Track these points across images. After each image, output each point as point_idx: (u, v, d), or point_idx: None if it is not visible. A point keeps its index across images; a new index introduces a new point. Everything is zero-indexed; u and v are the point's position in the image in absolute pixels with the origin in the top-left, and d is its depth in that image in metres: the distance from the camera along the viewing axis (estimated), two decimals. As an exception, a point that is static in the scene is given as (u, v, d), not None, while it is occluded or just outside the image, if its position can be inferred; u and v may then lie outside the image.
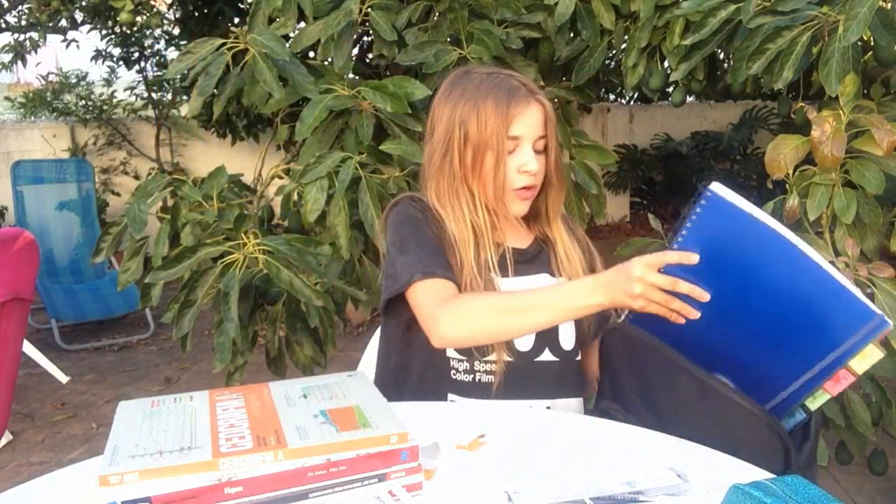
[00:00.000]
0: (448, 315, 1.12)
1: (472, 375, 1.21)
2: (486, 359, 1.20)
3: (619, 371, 1.15)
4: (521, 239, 1.31)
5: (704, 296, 1.01)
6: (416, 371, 1.26)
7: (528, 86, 1.24)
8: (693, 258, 1.00)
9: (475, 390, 1.20)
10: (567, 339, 1.26)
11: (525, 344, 1.23)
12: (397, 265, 1.20)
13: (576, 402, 1.27)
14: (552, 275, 1.29)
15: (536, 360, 1.23)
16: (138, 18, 4.47)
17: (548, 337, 1.24)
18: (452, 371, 1.22)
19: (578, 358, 1.28)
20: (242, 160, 5.69)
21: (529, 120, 1.22)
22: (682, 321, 1.04)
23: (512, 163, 1.22)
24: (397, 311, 1.22)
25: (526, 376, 1.22)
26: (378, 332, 1.40)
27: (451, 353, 1.22)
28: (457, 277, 1.19)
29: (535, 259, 1.30)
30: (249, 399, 0.94)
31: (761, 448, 1.02)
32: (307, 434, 0.83)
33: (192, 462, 0.77)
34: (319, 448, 0.81)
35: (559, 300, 1.11)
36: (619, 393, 1.15)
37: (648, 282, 1.02)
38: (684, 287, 1.01)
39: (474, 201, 1.25)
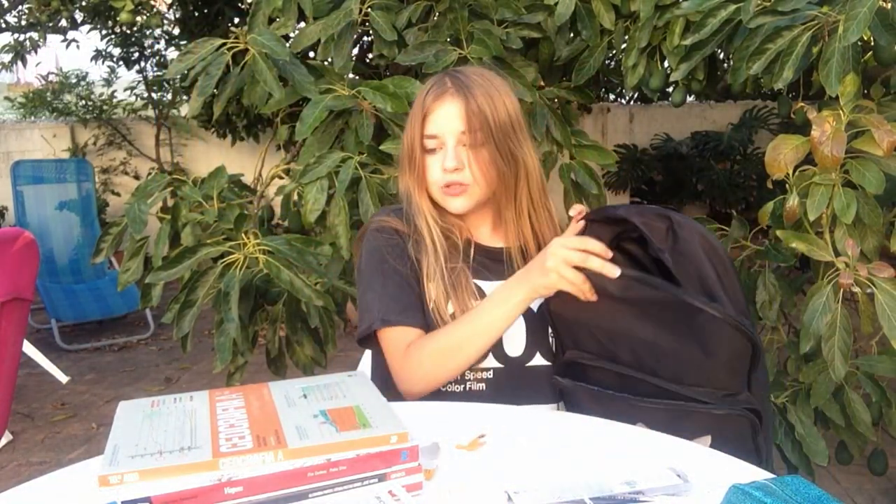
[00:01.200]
0: (405, 371, 1.17)
1: (462, 385, 1.21)
2: (477, 366, 1.20)
3: (575, 323, 1.15)
4: (492, 237, 1.31)
5: (615, 271, 1.05)
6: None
7: (456, 80, 1.22)
8: (615, 272, 1.05)
9: (467, 399, 1.19)
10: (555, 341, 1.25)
11: (515, 349, 1.22)
12: (365, 301, 1.23)
13: (551, 408, 1.26)
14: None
15: (528, 364, 1.22)
16: (138, 18, 4.48)
17: (538, 341, 1.23)
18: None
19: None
20: (242, 160, 5.69)
21: (444, 115, 1.21)
22: (594, 298, 1.09)
23: (435, 161, 1.23)
24: (367, 343, 1.26)
25: (518, 382, 1.21)
26: None
27: None
28: (427, 304, 1.20)
29: (516, 258, 1.28)
30: (249, 399, 0.94)
31: (733, 349, 1.04)
32: (307, 434, 0.83)
33: (192, 462, 0.77)
34: (319, 448, 0.81)
35: (493, 311, 1.14)
36: (582, 339, 1.15)
37: (561, 257, 1.07)
38: (595, 263, 1.05)
39: (423, 203, 1.26)
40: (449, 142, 1.21)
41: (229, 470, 0.78)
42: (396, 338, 1.19)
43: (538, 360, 1.23)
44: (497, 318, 1.14)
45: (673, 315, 1.06)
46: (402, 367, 1.18)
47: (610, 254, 1.07)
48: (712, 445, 1.02)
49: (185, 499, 0.76)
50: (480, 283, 1.25)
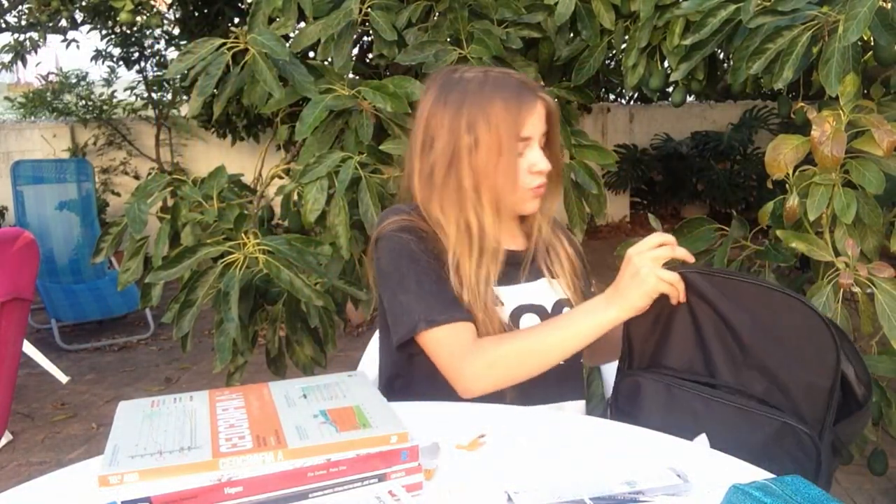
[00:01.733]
0: (472, 369, 1.11)
1: None
2: None
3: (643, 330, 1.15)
4: (515, 240, 1.29)
5: (689, 257, 1.10)
6: (418, 390, 1.23)
7: (528, 83, 1.21)
8: (689, 256, 1.09)
9: (499, 395, 1.17)
10: None
11: None
12: (399, 305, 1.16)
13: (581, 405, 1.27)
14: (549, 276, 1.28)
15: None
16: (138, 18, 4.47)
17: None
18: None
19: (581, 359, 1.29)
20: (242, 160, 5.69)
21: (537, 119, 1.19)
22: (684, 298, 1.09)
23: (522, 164, 1.19)
24: (406, 347, 1.19)
25: (548, 377, 1.19)
26: (377, 333, 1.39)
27: None
28: (461, 298, 1.17)
29: (532, 261, 1.28)
30: (249, 399, 0.94)
31: (815, 339, 1.03)
32: (307, 434, 0.83)
33: (192, 462, 0.77)
34: (319, 448, 0.81)
35: (581, 328, 1.10)
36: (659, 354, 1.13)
37: (651, 258, 1.07)
38: (681, 251, 1.09)
39: (482, 210, 1.19)
40: (535, 143, 1.20)
41: (229, 470, 0.78)
42: (448, 336, 1.14)
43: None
44: (584, 332, 1.10)
45: (751, 315, 1.06)
46: (467, 364, 1.12)
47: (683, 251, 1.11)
48: (769, 468, 0.98)
49: (185, 499, 0.76)
50: (496, 288, 1.22)
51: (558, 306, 1.26)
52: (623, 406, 1.15)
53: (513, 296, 1.23)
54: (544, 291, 1.27)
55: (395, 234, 1.20)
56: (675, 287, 1.07)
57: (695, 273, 1.09)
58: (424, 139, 1.22)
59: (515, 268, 1.25)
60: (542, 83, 2.13)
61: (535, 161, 1.19)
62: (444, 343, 1.14)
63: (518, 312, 1.23)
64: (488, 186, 1.19)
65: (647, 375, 1.12)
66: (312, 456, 0.81)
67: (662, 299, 1.09)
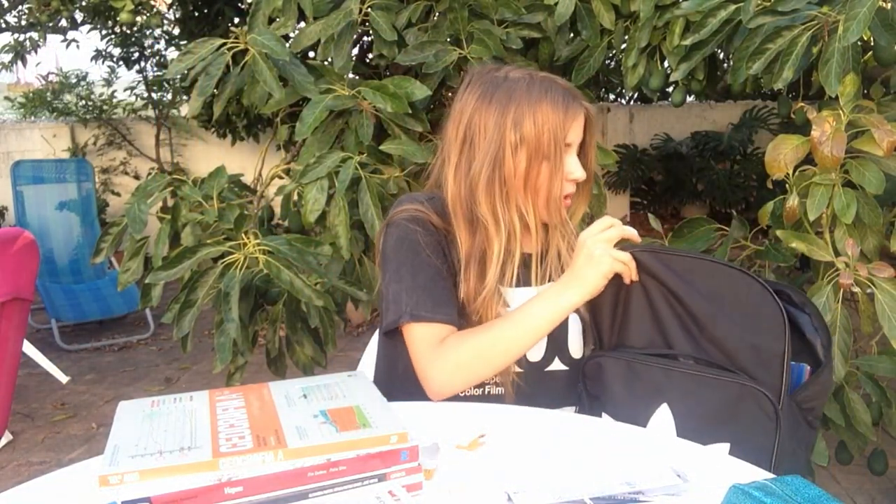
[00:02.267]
0: (435, 369, 1.12)
1: (481, 389, 1.20)
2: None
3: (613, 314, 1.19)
4: (528, 242, 1.26)
5: (636, 237, 1.14)
6: (419, 390, 1.22)
7: (573, 91, 1.20)
8: (635, 234, 1.14)
9: (479, 400, 1.19)
10: (576, 348, 1.25)
11: (536, 354, 1.22)
12: (391, 293, 1.17)
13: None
14: (535, 284, 1.26)
15: (547, 369, 1.22)
16: (138, 18, 4.48)
17: (557, 346, 1.23)
18: None
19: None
20: (242, 160, 5.70)
21: (579, 126, 1.18)
22: (637, 277, 1.13)
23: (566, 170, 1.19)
24: (393, 335, 1.21)
25: (536, 386, 1.21)
26: (377, 333, 1.40)
27: None
28: (463, 300, 1.17)
29: (542, 264, 1.26)
30: (249, 399, 0.94)
31: (761, 308, 1.07)
32: (307, 434, 0.83)
33: (192, 462, 0.77)
34: (319, 448, 0.81)
35: (540, 316, 1.12)
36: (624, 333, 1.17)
37: (604, 239, 1.11)
38: (630, 230, 1.13)
39: (518, 211, 1.18)
40: (573, 151, 1.19)
41: (229, 470, 0.78)
42: (426, 334, 1.14)
43: (557, 364, 1.23)
44: (544, 319, 1.12)
45: (698, 289, 1.10)
46: (432, 364, 1.13)
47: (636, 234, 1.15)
48: (732, 432, 1.03)
49: (185, 499, 0.76)
50: (528, 289, 1.23)
51: None
52: (591, 389, 1.17)
53: (521, 298, 1.21)
54: None
55: (405, 222, 1.19)
56: (627, 266, 1.12)
57: (644, 252, 1.13)
58: (465, 135, 1.19)
59: (526, 270, 1.24)
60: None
61: (573, 169, 1.18)
62: (419, 340, 1.15)
63: None
64: (530, 187, 1.18)
65: (609, 355, 1.15)
66: (312, 456, 0.81)
67: (617, 280, 1.14)
